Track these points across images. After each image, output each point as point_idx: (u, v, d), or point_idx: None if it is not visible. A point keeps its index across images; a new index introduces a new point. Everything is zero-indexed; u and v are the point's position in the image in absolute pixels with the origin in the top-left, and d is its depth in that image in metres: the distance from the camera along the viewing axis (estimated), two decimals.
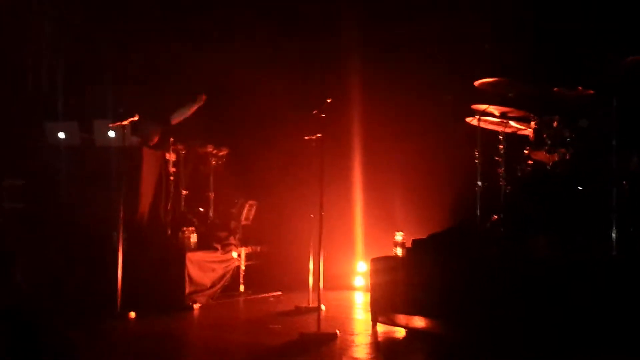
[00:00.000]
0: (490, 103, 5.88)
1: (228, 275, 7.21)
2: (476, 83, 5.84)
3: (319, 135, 5.62)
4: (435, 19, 7.38)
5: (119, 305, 5.88)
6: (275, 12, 8.19)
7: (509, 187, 5.88)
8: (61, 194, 7.01)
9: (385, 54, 7.72)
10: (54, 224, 6.82)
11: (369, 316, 5.67)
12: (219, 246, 7.20)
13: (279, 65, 8.16)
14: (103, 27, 8.10)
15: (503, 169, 5.91)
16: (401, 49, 7.60)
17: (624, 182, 5.07)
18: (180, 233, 6.94)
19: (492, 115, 6.00)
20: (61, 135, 7.18)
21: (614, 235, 4.81)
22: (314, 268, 6.16)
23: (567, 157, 5.46)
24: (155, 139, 7.39)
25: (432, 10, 7.40)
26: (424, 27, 7.42)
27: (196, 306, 6.50)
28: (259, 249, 7.89)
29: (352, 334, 5.43)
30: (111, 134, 6.83)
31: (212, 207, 7.77)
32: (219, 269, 7.07)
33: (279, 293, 7.36)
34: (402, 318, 5.35)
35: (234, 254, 7.35)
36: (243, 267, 7.50)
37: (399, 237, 5.94)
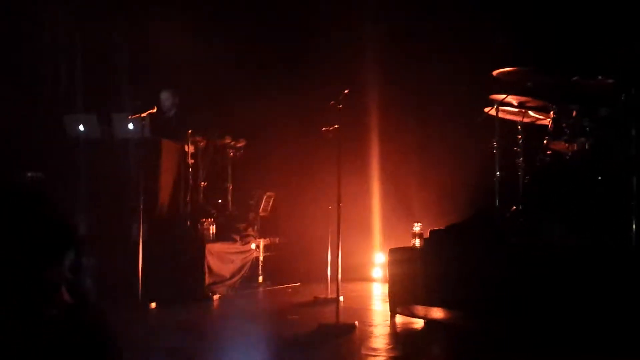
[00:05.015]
0: (508, 93, 5.84)
1: (247, 267, 7.25)
2: (495, 72, 5.80)
3: (336, 126, 5.62)
4: (454, 9, 7.32)
5: (139, 295, 5.94)
6: (293, 4, 8.18)
7: (527, 178, 5.85)
8: (81, 187, 7.07)
9: (403, 44, 7.68)
10: (74, 216, 6.89)
11: (387, 307, 5.68)
12: (237, 237, 7.23)
13: (297, 56, 8.15)
14: (122, 19, 8.14)
15: (522, 159, 5.88)
16: (419, 39, 7.55)
17: None
18: (199, 224, 6.98)
19: (511, 105, 5.96)
20: (80, 128, 7.24)
21: (634, 225, 4.78)
22: (332, 259, 6.18)
23: (587, 147, 5.41)
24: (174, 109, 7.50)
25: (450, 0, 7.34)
26: (442, 17, 7.37)
27: (215, 297, 6.54)
28: (277, 240, 7.93)
29: (371, 325, 5.44)
30: (130, 126, 6.88)
31: (230, 199, 7.80)
32: (238, 260, 7.12)
33: (298, 284, 7.39)
34: (420, 309, 5.36)
35: (253, 245, 7.38)
36: (261, 258, 7.54)
37: (417, 227, 5.93)
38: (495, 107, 5.94)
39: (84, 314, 1.52)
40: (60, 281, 1.49)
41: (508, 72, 5.75)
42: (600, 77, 5.56)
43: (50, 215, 1.52)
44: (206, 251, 6.61)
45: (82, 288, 1.54)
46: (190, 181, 7.31)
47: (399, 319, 5.53)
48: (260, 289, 7.31)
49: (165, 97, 7.47)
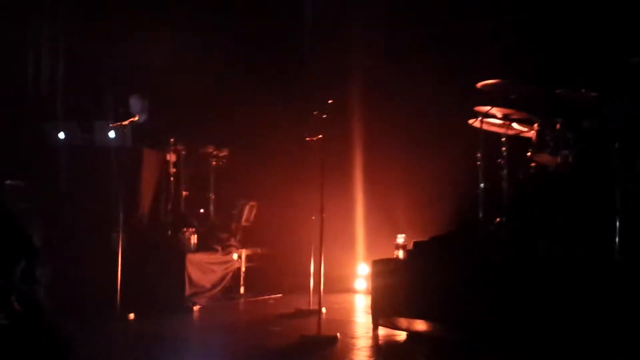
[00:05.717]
0: (493, 105, 5.85)
1: (228, 277, 7.18)
2: (479, 85, 5.81)
3: (320, 136, 5.58)
4: (438, 21, 7.35)
5: (118, 306, 5.85)
6: (279, 13, 8.17)
7: (511, 190, 5.85)
8: (61, 195, 6.98)
9: (388, 55, 7.69)
10: (54, 224, 6.79)
11: (369, 319, 5.63)
12: (219, 247, 7.17)
13: (281, 66, 8.13)
14: (103, 25, 8.08)
15: (506, 171, 5.88)
16: (404, 51, 7.57)
17: (628, 184, 5.03)
18: (180, 234, 6.91)
19: (495, 117, 5.97)
20: (61, 135, 7.16)
21: (617, 237, 4.78)
22: (314, 270, 6.13)
23: (570, 160, 5.42)
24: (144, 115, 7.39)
25: (434, 12, 7.37)
26: (427, 29, 7.39)
27: (196, 308, 6.46)
28: (259, 250, 7.86)
29: (353, 337, 5.39)
30: (111, 134, 6.81)
31: (212, 208, 7.74)
32: (219, 271, 7.04)
33: (280, 295, 7.33)
34: (403, 321, 5.32)
35: (235, 256, 7.32)
36: (243, 269, 7.46)
37: (400, 239, 5.89)
38: (479, 119, 5.95)
39: (34, 324, 1.46)
40: (10, 290, 1.44)
41: (492, 84, 5.76)
42: (583, 90, 5.59)
43: (2, 225, 1.47)
44: (187, 261, 6.54)
45: (33, 298, 1.49)
46: (172, 190, 7.25)
47: (382, 331, 5.48)
48: (242, 299, 7.24)
49: (132, 102, 7.39)
